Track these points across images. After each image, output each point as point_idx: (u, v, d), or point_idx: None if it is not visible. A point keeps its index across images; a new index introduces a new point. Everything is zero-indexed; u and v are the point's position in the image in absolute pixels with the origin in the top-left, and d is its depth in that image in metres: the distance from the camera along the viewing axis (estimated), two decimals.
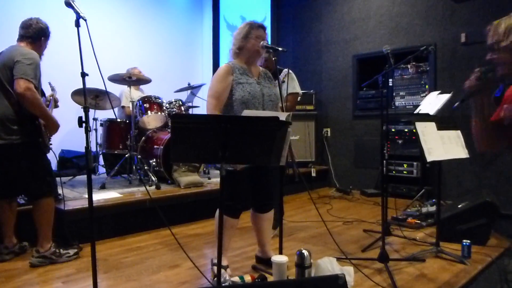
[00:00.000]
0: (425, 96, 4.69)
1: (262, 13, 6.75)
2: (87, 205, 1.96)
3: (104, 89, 2.30)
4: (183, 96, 5.44)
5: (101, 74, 2.01)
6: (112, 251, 3.19)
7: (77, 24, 1.93)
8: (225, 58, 2.94)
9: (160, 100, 4.68)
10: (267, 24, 6.75)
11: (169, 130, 4.60)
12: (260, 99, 2.56)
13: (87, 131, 1.90)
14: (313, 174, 5.70)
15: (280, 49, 2.60)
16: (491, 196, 3.49)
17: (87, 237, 2.11)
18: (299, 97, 3.78)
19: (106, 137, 4.71)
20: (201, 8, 7.11)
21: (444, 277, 2.61)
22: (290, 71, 3.63)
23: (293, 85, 3.71)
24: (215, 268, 2.13)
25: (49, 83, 3.64)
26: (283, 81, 3.51)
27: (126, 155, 4.44)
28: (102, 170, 5.16)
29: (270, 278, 2.49)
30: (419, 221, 3.77)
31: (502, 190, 4.30)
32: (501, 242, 3.30)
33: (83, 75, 1.94)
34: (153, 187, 4.21)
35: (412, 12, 5.17)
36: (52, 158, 3.10)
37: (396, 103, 5.37)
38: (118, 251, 3.20)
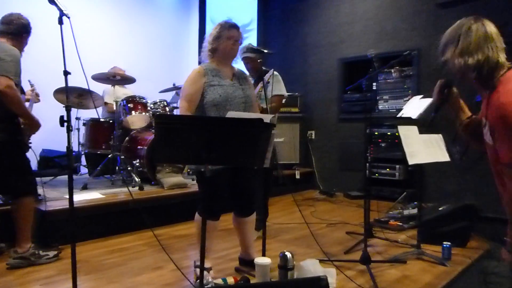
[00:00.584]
0: (408, 100, 4.75)
1: (249, 15, 6.76)
2: (68, 206, 1.93)
3: (87, 88, 2.26)
4: (168, 96, 5.41)
5: (84, 72, 1.98)
6: (93, 253, 3.14)
7: (60, 22, 1.91)
8: None
9: (144, 100, 4.64)
10: (254, 26, 6.77)
11: (153, 130, 4.57)
12: (232, 101, 2.53)
13: (69, 130, 1.87)
14: (298, 176, 5.72)
15: (266, 51, 2.60)
16: (471, 199, 3.56)
17: (68, 238, 2.07)
18: (284, 99, 3.79)
19: (89, 136, 4.65)
20: (188, 9, 7.08)
21: (425, 278, 2.64)
22: (276, 72, 3.63)
23: (279, 87, 3.72)
24: (198, 270, 2.12)
25: (29, 81, 3.57)
26: (268, 82, 3.50)
27: (109, 155, 4.39)
28: (84, 170, 5.09)
29: (253, 280, 2.49)
30: (401, 224, 3.82)
31: (482, 193, 4.37)
32: (480, 244, 3.36)
33: (66, 73, 1.91)
34: (136, 188, 4.16)
35: (398, 17, 5.24)
36: (32, 157, 3.04)
37: (380, 107, 5.43)
38: (100, 252, 3.16)
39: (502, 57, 1.60)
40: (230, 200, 2.67)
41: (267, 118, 2.21)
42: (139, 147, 4.49)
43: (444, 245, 2.99)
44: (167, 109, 4.85)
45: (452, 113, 1.84)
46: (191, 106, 2.50)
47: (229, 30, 2.58)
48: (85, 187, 4.07)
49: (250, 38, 6.71)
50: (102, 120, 4.82)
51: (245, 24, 6.78)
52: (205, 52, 2.65)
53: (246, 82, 2.72)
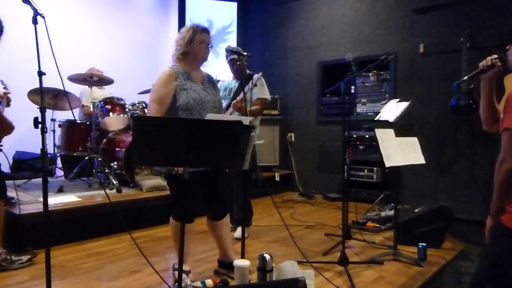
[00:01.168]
0: (385, 103, 4.84)
1: (229, 17, 6.76)
2: (43, 209, 1.88)
3: (63, 89, 2.22)
4: (147, 98, 5.34)
5: (59, 73, 1.94)
6: (69, 257, 3.07)
7: (35, 21, 1.86)
8: None
9: (123, 102, 4.58)
10: (234, 28, 6.78)
11: (131, 132, 4.51)
12: (205, 105, 2.52)
13: (43, 132, 1.82)
14: (277, 179, 5.74)
15: (245, 53, 2.61)
16: (446, 200, 3.66)
17: (42, 242, 2.02)
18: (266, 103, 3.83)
19: (65, 138, 4.56)
20: (167, 10, 7.02)
21: (401, 279, 2.69)
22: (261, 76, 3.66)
23: (262, 91, 3.76)
24: (177, 273, 2.10)
25: (1, 81, 3.48)
26: (255, 85, 3.52)
27: (86, 158, 4.31)
28: (60, 173, 4.98)
29: (232, 282, 2.48)
30: (378, 225, 3.88)
31: (456, 195, 4.50)
32: (455, 245, 3.44)
33: (40, 74, 1.87)
34: (114, 190, 4.10)
35: (375, 22, 5.33)
36: (3, 160, 2.96)
37: (358, 110, 5.52)
38: (76, 256, 3.10)
39: None
40: (202, 202, 2.65)
41: (246, 120, 2.22)
42: (117, 149, 4.43)
43: (420, 246, 3.05)
44: (146, 110, 4.80)
45: (487, 85, 1.95)
46: (162, 108, 2.45)
47: (202, 33, 2.56)
48: (60, 190, 3.99)
49: (230, 40, 6.71)
50: (78, 121, 4.73)
51: (225, 26, 6.79)
52: (175, 55, 2.59)
53: (215, 86, 2.72)
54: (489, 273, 1.76)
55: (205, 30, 2.59)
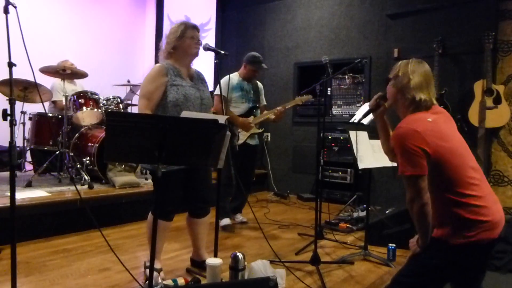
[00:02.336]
0: (360, 106, 4.93)
1: (207, 14, 6.72)
2: (9, 204, 1.83)
3: (34, 80, 2.16)
4: (122, 93, 5.27)
5: (30, 64, 1.89)
6: (35, 254, 2.99)
7: (6, 11, 1.81)
8: None
9: (96, 96, 4.50)
10: (212, 26, 6.74)
11: (105, 127, 4.43)
12: (194, 102, 2.52)
13: (12, 124, 1.77)
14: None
15: (222, 52, 2.60)
16: None
17: (8, 238, 1.96)
18: None
19: (35, 132, 4.44)
20: (144, 4, 6.93)
21: (370, 279, 2.74)
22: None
23: (262, 98, 4.10)
24: (148, 271, 2.08)
25: None
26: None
27: (57, 152, 4.20)
28: (29, 167, 4.84)
29: (204, 281, 2.48)
30: (350, 226, 3.94)
31: None
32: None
33: (10, 65, 1.81)
34: (86, 186, 4.02)
35: (351, 25, 5.42)
36: None
37: (334, 112, 5.59)
38: (43, 253, 3.02)
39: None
40: (184, 200, 2.64)
41: (221, 118, 2.22)
42: (89, 144, 4.34)
43: (390, 247, 3.12)
44: (121, 106, 4.72)
45: (377, 123, 2.11)
46: (150, 104, 2.44)
47: (192, 30, 2.57)
48: (29, 185, 3.88)
49: (208, 38, 6.68)
50: (50, 115, 4.61)
51: (204, 23, 6.75)
52: (165, 51, 2.59)
53: (204, 83, 2.72)
54: (419, 281, 1.82)
55: (195, 27, 2.60)
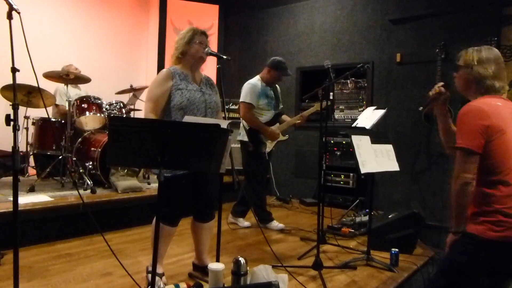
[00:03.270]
0: (362, 110, 4.93)
1: (210, 20, 6.75)
2: (12, 209, 1.84)
3: (37, 85, 2.17)
4: (125, 98, 5.29)
5: (33, 69, 1.90)
6: (38, 258, 3.00)
7: (9, 16, 1.82)
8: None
9: (99, 101, 4.51)
10: (214, 31, 6.77)
11: (107, 132, 4.44)
12: (199, 106, 2.53)
13: (15, 129, 1.78)
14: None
15: (224, 57, 2.61)
16: (418, 207, 3.73)
17: (11, 242, 1.96)
18: None
19: (38, 136, 4.46)
20: (147, 9, 6.97)
21: (373, 284, 2.73)
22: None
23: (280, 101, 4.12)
24: (150, 276, 2.08)
25: None
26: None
27: (60, 157, 4.21)
28: (32, 171, 4.85)
29: (206, 286, 2.47)
30: (353, 230, 3.93)
31: (428, 203, 4.61)
32: (426, 251, 3.52)
33: (14, 70, 1.82)
34: (89, 191, 4.02)
35: (353, 30, 5.43)
36: None
37: (336, 116, 5.59)
38: (45, 258, 3.02)
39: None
40: (189, 204, 2.64)
41: (224, 123, 2.22)
42: (92, 148, 4.35)
43: (392, 252, 3.11)
44: (124, 111, 4.74)
45: (440, 112, 2.11)
46: (156, 108, 2.47)
47: (201, 35, 2.61)
48: (32, 189, 3.89)
49: (211, 43, 6.67)
50: (53, 119, 4.63)
51: (206, 28, 6.77)
52: (175, 55, 2.62)
53: (212, 88, 2.73)
54: (452, 280, 1.82)
55: (204, 33, 2.65)
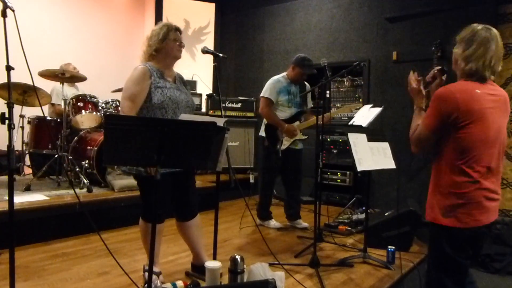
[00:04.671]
0: (359, 108, 4.93)
1: (206, 18, 6.74)
2: (8, 208, 1.83)
3: (32, 84, 2.17)
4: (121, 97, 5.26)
5: (28, 68, 1.89)
6: (34, 258, 2.99)
7: (4, 14, 1.81)
8: None
9: (95, 100, 4.49)
10: (211, 29, 6.76)
11: (103, 130, 4.42)
12: (179, 104, 2.49)
13: (10, 128, 1.77)
14: (252, 181, 5.74)
15: (220, 55, 2.60)
16: (415, 205, 3.74)
17: (7, 242, 1.96)
18: None
19: (34, 135, 4.44)
20: (143, 8, 6.95)
21: (370, 281, 2.74)
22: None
23: (309, 100, 4.04)
24: (147, 274, 2.07)
25: None
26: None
27: (56, 156, 4.19)
28: (28, 170, 4.83)
29: (204, 284, 2.47)
30: (349, 228, 3.94)
31: (425, 200, 4.59)
32: (422, 249, 3.53)
33: (8, 68, 1.81)
34: (85, 190, 4.01)
35: (350, 28, 5.43)
36: None
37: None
38: (42, 257, 3.01)
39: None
40: (170, 204, 2.63)
41: (220, 121, 2.22)
42: (88, 147, 4.33)
43: (389, 249, 3.11)
44: (120, 109, 4.71)
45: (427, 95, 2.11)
46: (135, 106, 2.41)
47: (175, 32, 2.55)
48: (28, 188, 3.87)
49: (207, 41, 6.69)
50: (48, 118, 4.61)
51: (202, 26, 6.76)
52: (148, 52, 2.56)
53: (185, 85, 2.71)
54: (444, 272, 1.88)
55: (178, 29, 2.58)
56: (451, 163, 1.80)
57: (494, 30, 1.86)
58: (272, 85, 3.91)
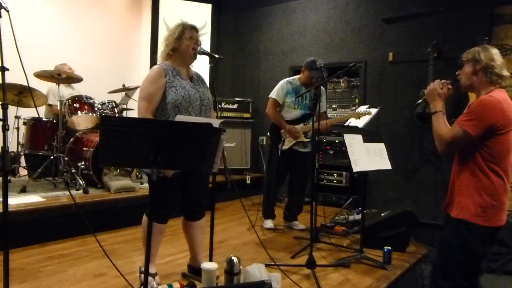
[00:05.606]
0: (355, 109, 4.94)
1: (203, 19, 6.73)
2: (2, 210, 1.82)
3: (27, 85, 2.16)
4: (118, 97, 5.26)
5: (23, 68, 1.88)
6: (30, 260, 2.97)
7: None
8: None
9: (92, 100, 4.48)
10: (207, 30, 6.75)
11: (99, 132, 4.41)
12: (194, 103, 2.50)
13: (5, 129, 1.76)
14: (248, 182, 5.74)
15: (216, 56, 2.59)
16: (411, 205, 3.75)
17: (1, 244, 1.94)
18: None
19: (30, 136, 4.42)
20: (139, 9, 6.94)
21: (366, 282, 2.74)
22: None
23: (322, 104, 3.95)
24: (143, 276, 2.07)
25: None
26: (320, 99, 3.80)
27: (51, 157, 4.18)
28: (23, 172, 4.81)
29: (200, 285, 2.47)
30: (346, 229, 3.94)
31: (421, 200, 4.63)
32: (418, 249, 3.54)
33: (3, 69, 1.81)
34: (81, 191, 4.00)
35: (346, 29, 5.44)
36: None
37: (329, 115, 5.58)
38: (37, 259, 3.00)
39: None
40: (179, 203, 2.63)
41: (216, 122, 2.22)
42: (84, 148, 4.32)
43: (385, 250, 3.12)
44: (116, 110, 4.71)
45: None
46: (151, 106, 2.42)
47: (191, 30, 2.57)
48: (23, 190, 3.86)
49: (204, 42, 6.66)
50: (44, 119, 4.59)
51: (199, 27, 6.75)
52: (165, 52, 2.58)
53: (204, 84, 2.70)
54: (452, 262, 2.05)
55: (194, 28, 2.60)
56: (487, 166, 1.95)
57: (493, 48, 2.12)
58: (280, 86, 3.96)
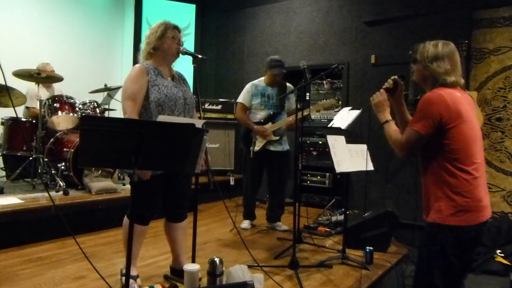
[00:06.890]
0: (338, 111, 4.98)
1: (186, 19, 6.70)
2: None
3: (5, 84, 2.11)
4: (99, 97, 5.18)
5: (0, 67, 1.84)
6: (7, 263, 2.90)
7: None
8: None
9: (72, 100, 4.40)
10: (191, 31, 6.72)
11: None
12: (177, 102, 2.48)
13: None
14: (232, 183, 5.72)
15: (200, 56, 2.58)
16: (393, 206, 3.80)
17: None
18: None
19: (8, 137, 4.32)
20: (122, 8, 6.86)
21: (348, 282, 2.76)
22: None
23: (291, 102, 4.00)
24: (124, 278, 2.04)
25: None
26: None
27: (31, 158, 4.09)
28: (1, 173, 4.70)
29: (182, 287, 2.45)
30: (329, 229, 3.97)
31: (402, 201, 4.70)
32: (400, 249, 3.59)
33: None
34: (61, 192, 3.92)
35: (329, 31, 5.48)
36: None
37: (312, 116, 5.62)
38: (15, 262, 2.93)
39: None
40: (161, 205, 2.60)
41: (199, 123, 2.21)
42: (65, 149, 4.24)
43: (367, 250, 3.15)
44: (97, 110, 4.64)
45: (394, 104, 2.27)
46: (137, 105, 2.39)
47: (173, 30, 2.55)
48: (1, 191, 3.76)
49: (187, 43, 6.65)
50: (23, 119, 4.49)
51: (183, 28, 6.71)
52: (146, 50, 2.55)
53: (186, 83, 2.68)
54: (433, 272, 1.91)
55: (176, 27, 2.58)
56: (449, 164, 1.87)
57: (450, 43, 2.07)
58: (245, 90, 4.02)
